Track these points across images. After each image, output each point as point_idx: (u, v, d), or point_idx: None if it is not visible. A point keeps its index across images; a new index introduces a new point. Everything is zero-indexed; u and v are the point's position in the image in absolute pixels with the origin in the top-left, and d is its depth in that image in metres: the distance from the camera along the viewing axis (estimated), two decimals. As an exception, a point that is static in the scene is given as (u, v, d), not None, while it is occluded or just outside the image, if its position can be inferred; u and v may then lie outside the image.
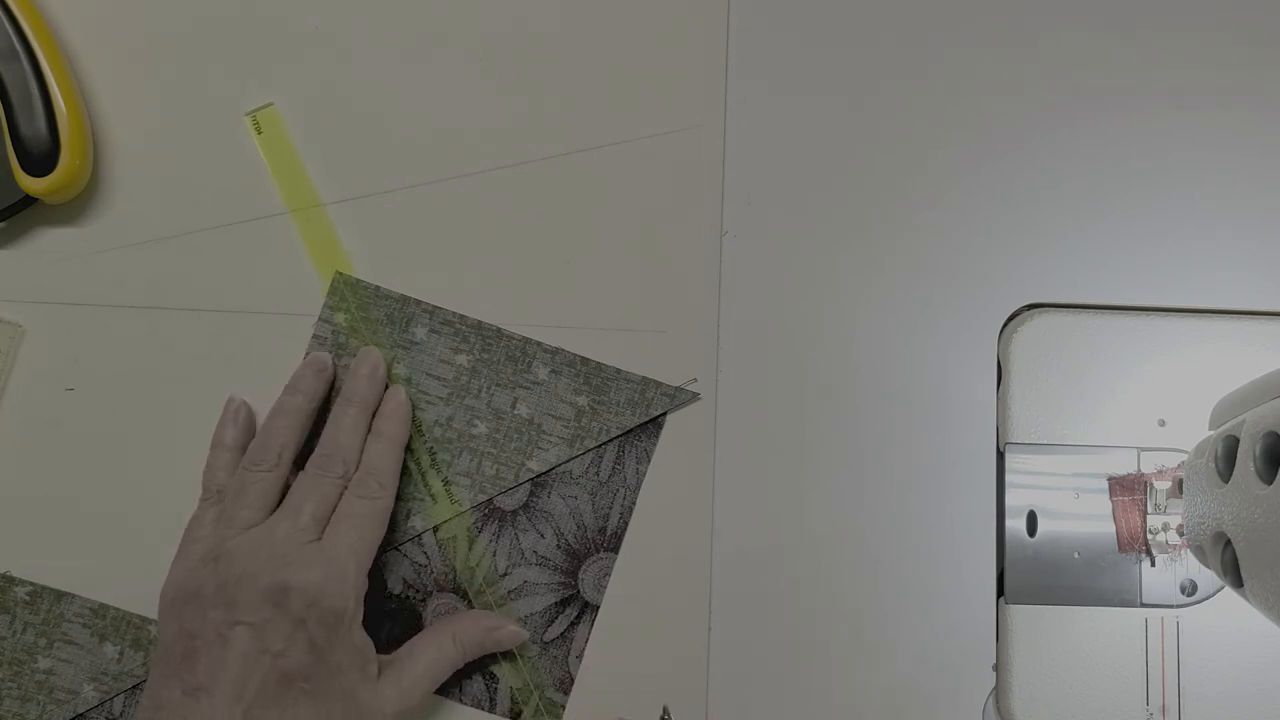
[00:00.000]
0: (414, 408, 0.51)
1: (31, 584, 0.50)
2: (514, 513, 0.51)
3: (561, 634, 0.51)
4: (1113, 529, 0.51)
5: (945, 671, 0.50)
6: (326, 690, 0.45)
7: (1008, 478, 0.51)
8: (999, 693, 0.50)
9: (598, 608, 0.51)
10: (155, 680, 0.45)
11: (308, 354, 0.51)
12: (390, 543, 0.50)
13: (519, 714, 0.50)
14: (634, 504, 0.51)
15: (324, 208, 0.52)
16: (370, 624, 0.47)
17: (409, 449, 0.50)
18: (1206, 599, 0.50)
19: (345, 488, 0.48)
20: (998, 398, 0.52)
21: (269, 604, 0.44)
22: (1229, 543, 0.41)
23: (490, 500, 0.51)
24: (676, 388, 0.51)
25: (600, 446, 0.51)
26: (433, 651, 0.48)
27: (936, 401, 0.52)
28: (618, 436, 0.51)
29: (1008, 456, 0.52)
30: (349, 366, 0.51)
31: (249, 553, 0.45)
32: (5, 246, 0.52)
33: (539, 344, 0.51)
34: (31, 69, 0.49)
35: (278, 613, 0.44)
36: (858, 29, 0.54)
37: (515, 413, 0.51)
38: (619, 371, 0.51)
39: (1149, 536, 0.50)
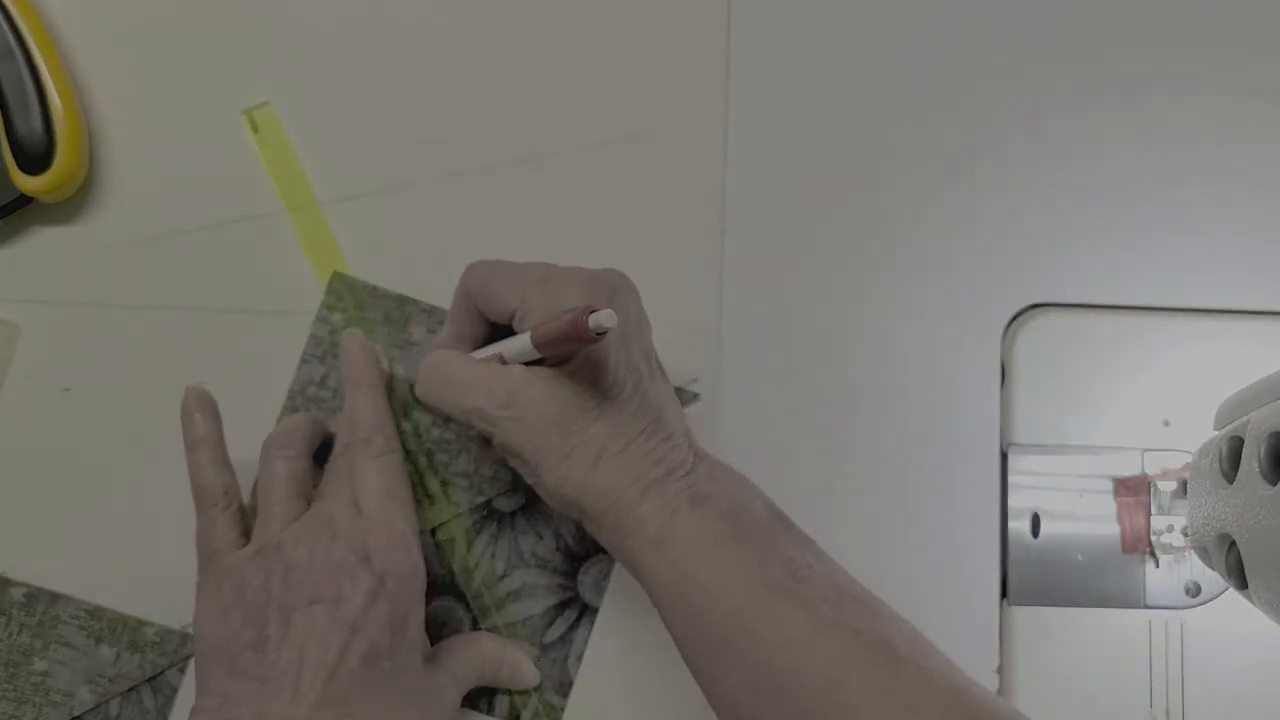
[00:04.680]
0: (411, 407, 0.51)
1: (27, 585, 0.50)
2: (513, 514, 0.51)
3: (561, 636, 0.50)
4: (1117, 530, 0.51)
5: (947, 674, 0.50)
6: (404, 669, 0.43)
7: (1011, 479, 0.51)
8: (1002, 695, 0.50)
9: (597, 610, 0.50)
10: (213, 679, 0.43)
11: (306, 354, 0.51)
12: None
13: (518, 717, 0.50)
14: (634, 505, 0.51)
15: (321, 206, 0.52)
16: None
17: (406, 450, 0.50)
18: (1211, 600, 0.50)
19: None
20: (1001, 398, 0.52)
21: (345, 576, 0.43)
22: (1233, 544, 0.41)
23: (489, 501, 0.51)
24: (677, 388, 0.51)
25: (600, 447, 0.51)
26: (474, 649, 0.48)
27: (939, 402, 0.51)
28: (617, 437, 0.51)
29: (1011, 457, 0.51)
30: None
31: (308, 537, 0.44)
32: (1, 245, 0.51)
33: (538, 344, 0.51)
34: (27, 67, 0.49)
35: (354, 585, 0.43)
36: (858, 29, 0.54)
37: (514, 413, 0.51)
38: (619, 372, 0.51)
39: (1153, 538, 0.50)
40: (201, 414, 0.47)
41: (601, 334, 0.37)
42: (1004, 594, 0.51)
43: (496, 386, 0.42)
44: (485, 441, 0.47)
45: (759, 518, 0.42)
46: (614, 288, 0.43)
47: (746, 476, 0.44)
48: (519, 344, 0.42)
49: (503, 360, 0.43)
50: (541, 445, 0.42)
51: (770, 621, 0.39)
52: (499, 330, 0.45)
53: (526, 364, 0.43)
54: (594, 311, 0.37)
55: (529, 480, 0.44)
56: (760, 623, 0.39)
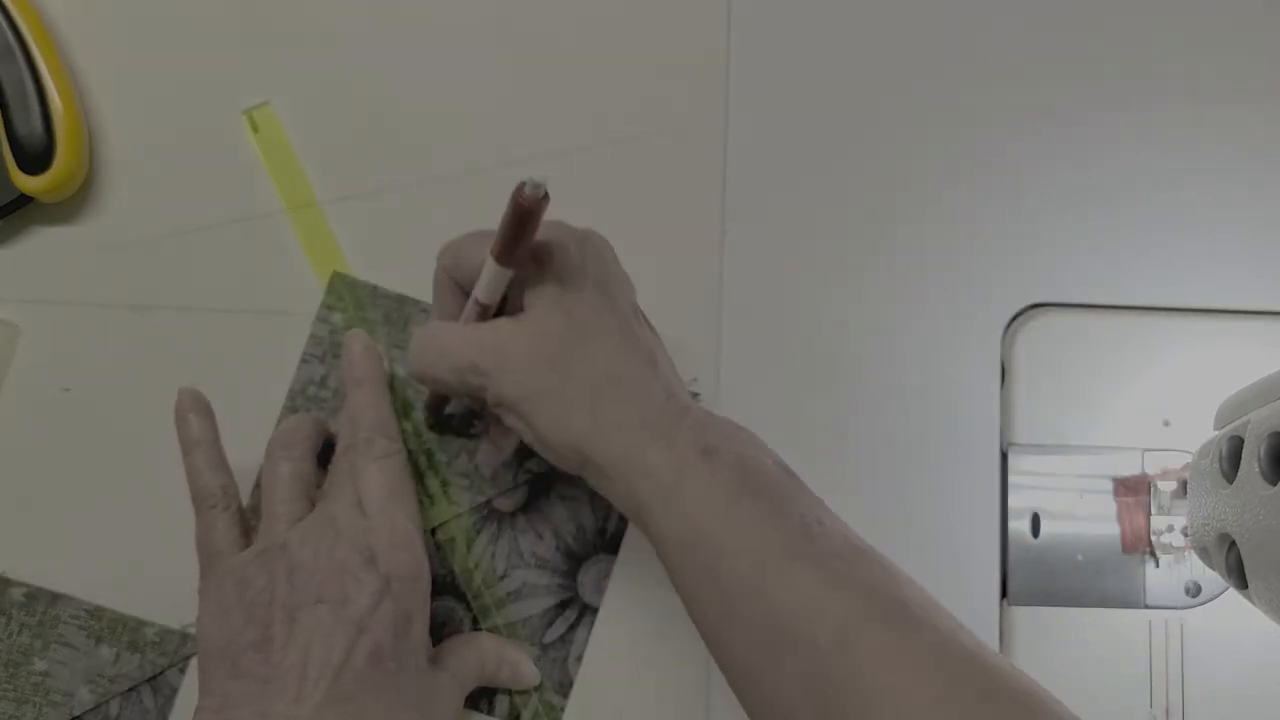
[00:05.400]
0: (412, 407, 0.51)
1: (27, 585, 0.50)
2: (513, 514, 0.51)
3: (561, 636, 0.50)
4: (1117, 530, 0.51)
5: (948, 674, 0.50)
6: (408, 670, 0.43)
7: (1011, 479, 0.51)
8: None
9: (597, 610, 0.50)
10: (215, 679, 0.42)
11: (306, 354, 0.51)
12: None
13: (518, 717, 0.50)
14: (634, 505, 0.51)
15: (321, 206, 0.52)
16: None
17: (407, 450, 0.50)
18: (1211, 600, 0.50)
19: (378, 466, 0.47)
20: (1001, 398, 0.52)
21: (350, 577, 0.43)
22: (1233, 544, 0.41)
23: (489, 501, 0.51)
24: (676, 388, 0.51)
25: (600, 447, 0.51)
26: (475, 649, 0.48)
27: (939, 402, 0.51)
28: (617, 437, 0.51)
29: (1011, 457, 0.51)
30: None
31: (313, 537, 0.44)
32: (1, 245, 0.51)
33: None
34: (27, 67, 0.49)
35: (359, 585, 0.43)
36: (858, 29, 0.54)
37: (514, 413, 0.51)
38: (619, 372, 0.51)
39: (1153, 538, 0.50)
40: (196, 415, 0.47)
41: (542, 196, 0.37)
42: (1004, 594, 0.51)
43: (484, 338, 0.42)
44: (499, 423, 0.47)
45: (770, 473, 0.41)
46: (587, 234, 0.43)
47: (753, 432, 0.43)
48: (486, 273, 0.42)
49: (478, 304, 0.43)
50: (535, 389, 0.41)
51: (783, 579, 0.38)
52: None
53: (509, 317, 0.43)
54: (525, 183, 0.37)
55: (526, 437, 0.43)
56: (772, 581, 0.38)
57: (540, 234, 0.41)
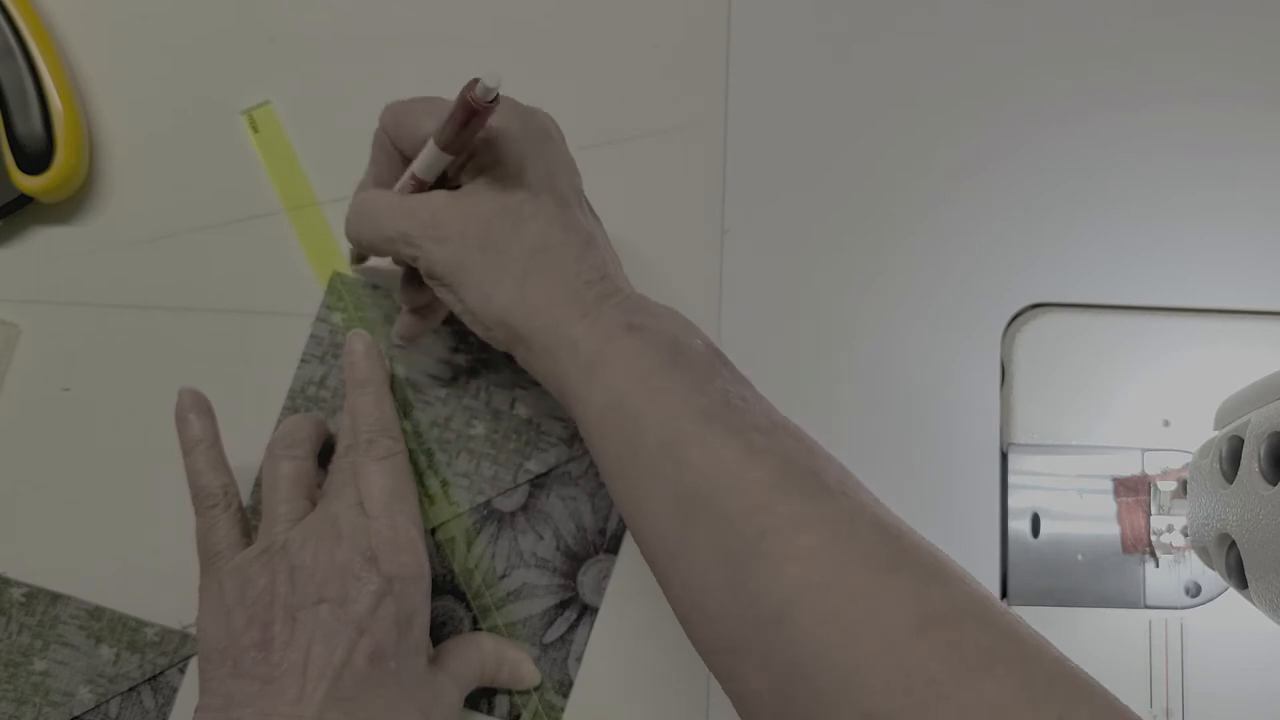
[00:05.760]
0: (411, 407, 0.51)
1: (27, 585, 0.50)
2: (513, 514, 0.51)
3: (561, 636, 0.50)
4: (1117, 530, 0.51)
5: (947, 674, 0.50)
6: (409, 670, 0.43)
7: (1011, 479, 0.51)
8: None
9: (597, 610, 0.50)
10: (216, 679, 0.42)
11: (306, 354, 0.51)
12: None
13: (518, 717, 0.50)
14: (634, 505, 0.51)
15: (320, 206, 0.52)
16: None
17: (408, 450, 0.50)
18: (1211, 600, 0.50)
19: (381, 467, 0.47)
20: (1001, 398, 0.52)
21: (351, 577, 0.43)
22: (1233, 544, 0.41)
23: (489, 501, 0.51)
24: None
25: (600, 447, 0.51)
26: (474, 649, 0.48)
27: (939, 402, 0.51)
28: (617, 437, 0.51)
29: (1011, 457, 0.51)
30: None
31: (314, 537, 0.44)
32: (1, 246, 0.51)
33: (538, 344, 0.51)
34: (27, 67, 0.49)
35: (360, 586, 0.43)
36: (858, 29, 0.54)
37: (514, 413, 0.51)
38: (619, 372, 0.51)
39: (1153, 538, 0.50)
40: (196, 415, 0.47)
41: (492, 100, 0.37)
42: (1004, 594, 0.51)
43: (419, 210, 0.42)
44: (413, 311, 0.47)
45: (697, 350, 0.41)
46: (531, 113, 0.43)
47: (686, 317, 0.43)
48: (426, 153, 0.42)
49: (415, 179, 0.43)
50: (465, 262, 0.41)
51: (700, 447, 0.38)
52: None
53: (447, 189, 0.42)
54: (479, 80, 0.37)
55: (456, 309, 0.43)
56: (690, 448, 0.38)
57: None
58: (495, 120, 0.42)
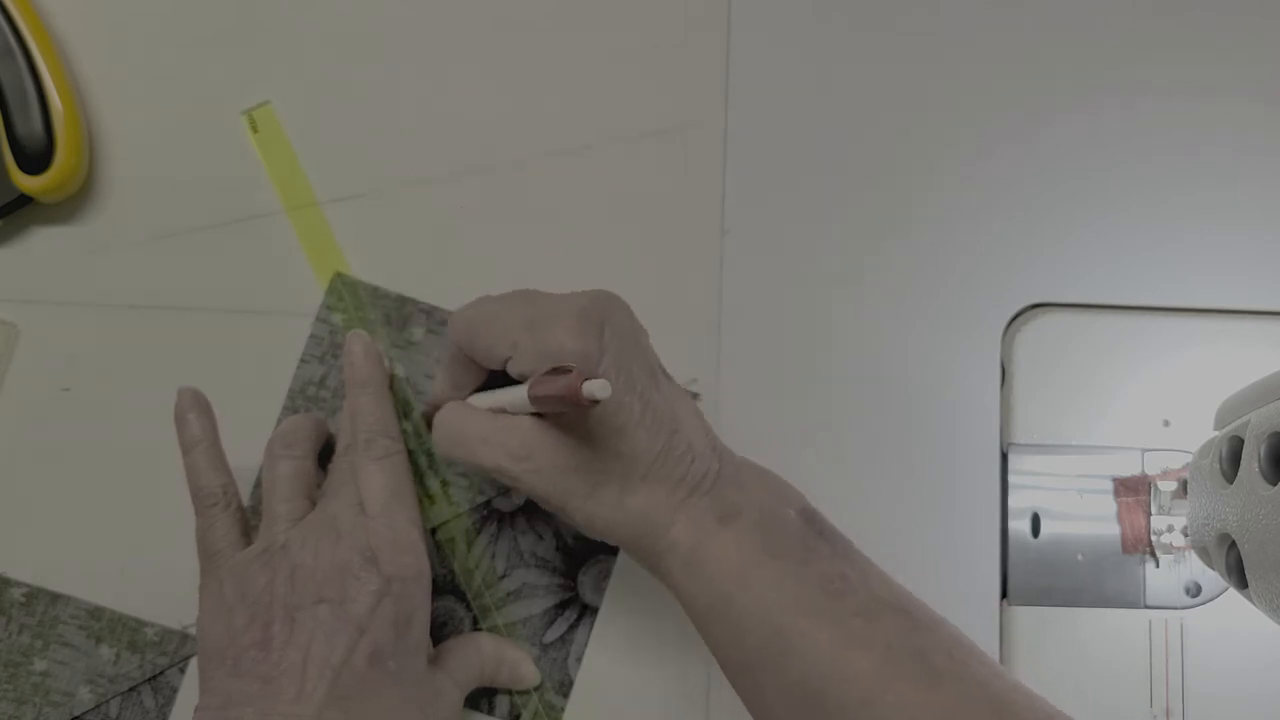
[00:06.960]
0: (411, 407, 0.51)
1: (27, 585, 0.50)
2: (512, 514, 0.51)
3: (561, 636, 0.50)
4: (1117, 530, 0.51)
5: (947, 674, 0.50)
6: (408, 670, 0.44)
7: (1011, 479, 0.51)
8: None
9: (597, 610, 0.50)
10: (215, 679, 0.43)
11: (305, 354, 0.51)
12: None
13: (518, 717, 0.50)
14: (634, 505, 0.51)
15: (321, 206, 0.52)
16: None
17: (407, 450, 0.50)
18: (1211, 600, 0.50)
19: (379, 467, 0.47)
20: (1001, 398, 0.52)
21: (351, 577, 0.43)
22: (1233, 544, 0.41)
23: (489, 501, 0.51)
24: (676, 388, 0.51)
25: (600, 447, 0.51)
26: (474, 649, 0.48)
27: (939, 402, 0.51)
28: (617, 437, 0.51)
29: (1011, 457, 0.51)
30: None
31: (314, 537, 0.44)
32: (1, 245, 0.51)
33: (538, 344, 0.51)
34: (27, 66, 0.49)
35: (360, 585, 0.43)
36: (858, 28, 0.54)
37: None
38: (619, 372, 0.51)
39: (1153, 538, 0.50)
40: (196, 415, 0.47)
41: (596, 402, 0.37)
42: (1004, 594, 0.51)
43: (510, 441, 0.43)
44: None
45: (790, 526, 0.42)
46: (603, 321, 0.42)
47: (775, 474, 0.44)
48: (518, 396, 0.42)
49: (502, 409, 0.44)
50: (564, 489, 0.42)
51: (804, 641, 0.39)
52: (495, 373, 0.45)
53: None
54: (587, 380, 0.37)
55: (561, 517, 0.44)
56: (795, 642, 0.39)
57: (562, 335, 0.41)
58: (572, 343, 0.41)
